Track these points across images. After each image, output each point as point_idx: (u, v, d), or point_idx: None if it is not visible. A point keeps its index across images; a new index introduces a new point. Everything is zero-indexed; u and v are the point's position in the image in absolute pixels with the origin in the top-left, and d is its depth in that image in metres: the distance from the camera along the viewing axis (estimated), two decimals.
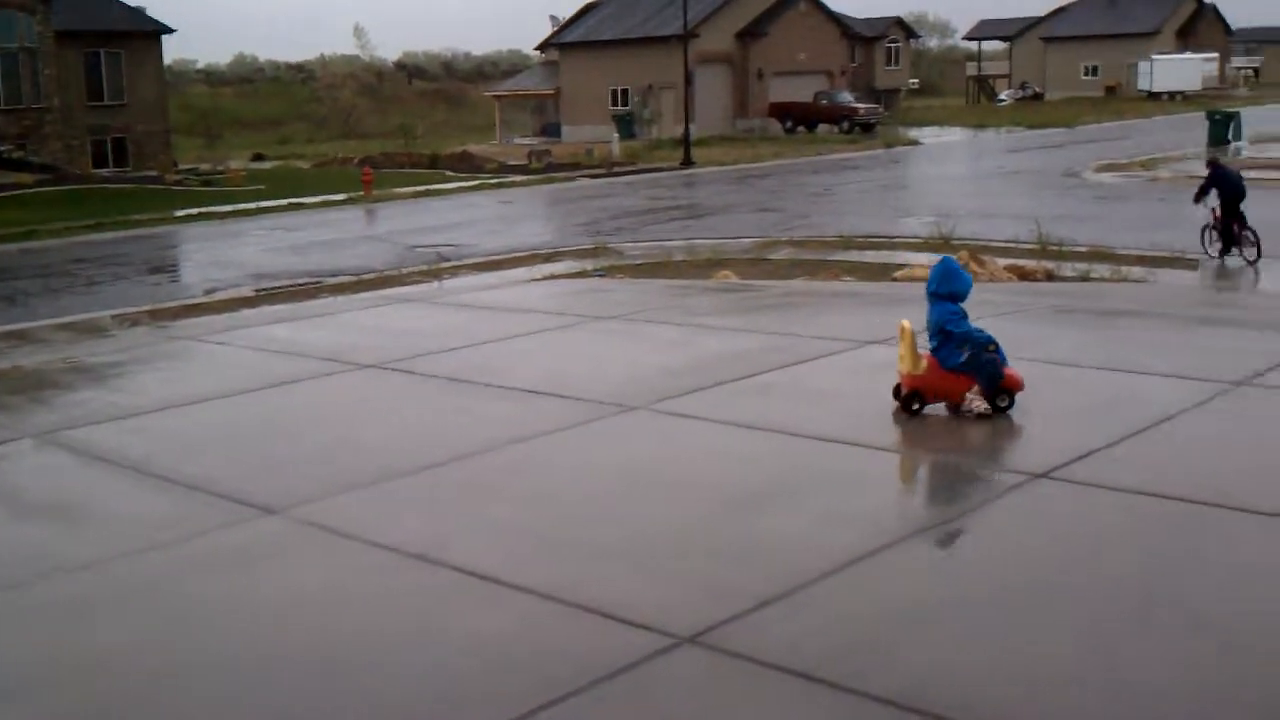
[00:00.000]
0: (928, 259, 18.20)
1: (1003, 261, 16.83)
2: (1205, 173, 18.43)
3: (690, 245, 22.24)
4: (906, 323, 7.58)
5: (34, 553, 5.95)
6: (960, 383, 7.47)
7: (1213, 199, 17.89)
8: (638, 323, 11.60)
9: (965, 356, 7.37)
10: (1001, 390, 7.39)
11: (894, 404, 7.61)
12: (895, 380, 7.67)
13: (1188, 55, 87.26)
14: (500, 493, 6.52)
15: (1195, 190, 18.54)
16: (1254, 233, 17.63)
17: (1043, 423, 7.31)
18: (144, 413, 8.68)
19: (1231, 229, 17.67)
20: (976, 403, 7.47)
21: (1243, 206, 17.63)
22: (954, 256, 8.35)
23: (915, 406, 7.51)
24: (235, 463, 7.35)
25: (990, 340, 7.41)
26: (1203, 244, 18.19)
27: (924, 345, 7.60)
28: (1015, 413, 7.51)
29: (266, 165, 54.03)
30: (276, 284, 19.25)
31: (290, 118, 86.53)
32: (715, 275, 16.82)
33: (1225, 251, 17.76)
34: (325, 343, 11.01)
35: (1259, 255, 17.44)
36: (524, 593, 5.09)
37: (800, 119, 61.16)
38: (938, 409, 7.53)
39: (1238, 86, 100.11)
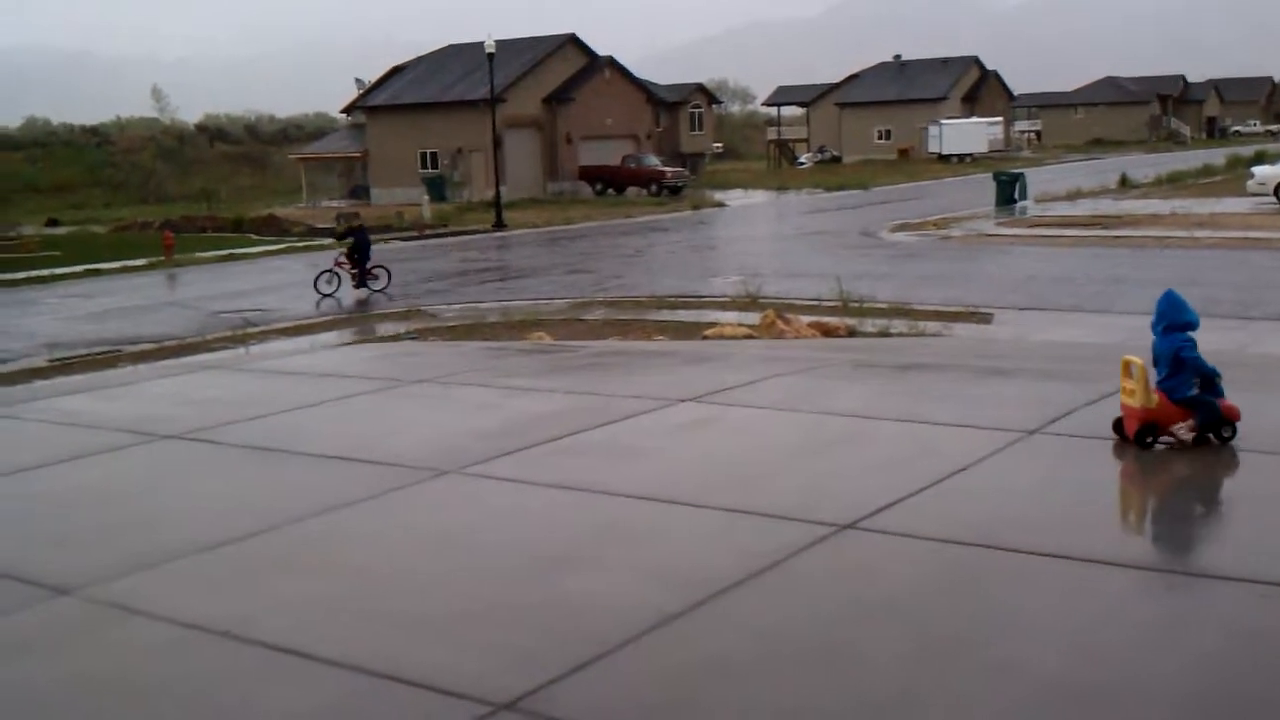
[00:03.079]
0: (736, 317, 18.60)
1: (807, 319, 17.30)
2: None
3: (504, 307, 22.25)
4: (1136, 359, 7.68)
5: None
6: (1185, 416, 7.66)
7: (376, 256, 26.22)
8: (451, 385, 11.51)
9: (1195, 391, 7.57)
10: (1225, 422, 7.62)
11: (1115, 433, 7.79)
12: (1112, 415, 7.83)
13: (974, 119, 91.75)
14: (309, 564, 6.36)
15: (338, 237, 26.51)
16: (385, 268, 25.63)
17: (851, 473, 7.51)
18: None
19: (364, 269, 25.08)
20: (1185, 433, 7.67)
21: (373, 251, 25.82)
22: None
23: (1149, 440, 7.63)
24: (25, 541, 6.99)
25: (1218, 373, 7.61)
26: (316, 287, 24.70)
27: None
28: (822, 464, 7.70)
29: (62, 231, 52.01)
30: (72, 353, 18.49)
31: (86, 182, 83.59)
32: (529, 336, 16.84)
33: (358, 285, 24.96)
34: (123, 414, 10.60)
35: (389, 282, 25.26)
36: (338, 667, 4.97)
37: (609, 182, 61.99)
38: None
39: (1021, 149, 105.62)
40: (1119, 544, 5.95)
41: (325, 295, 24.52)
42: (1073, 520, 6.48)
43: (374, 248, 26.59)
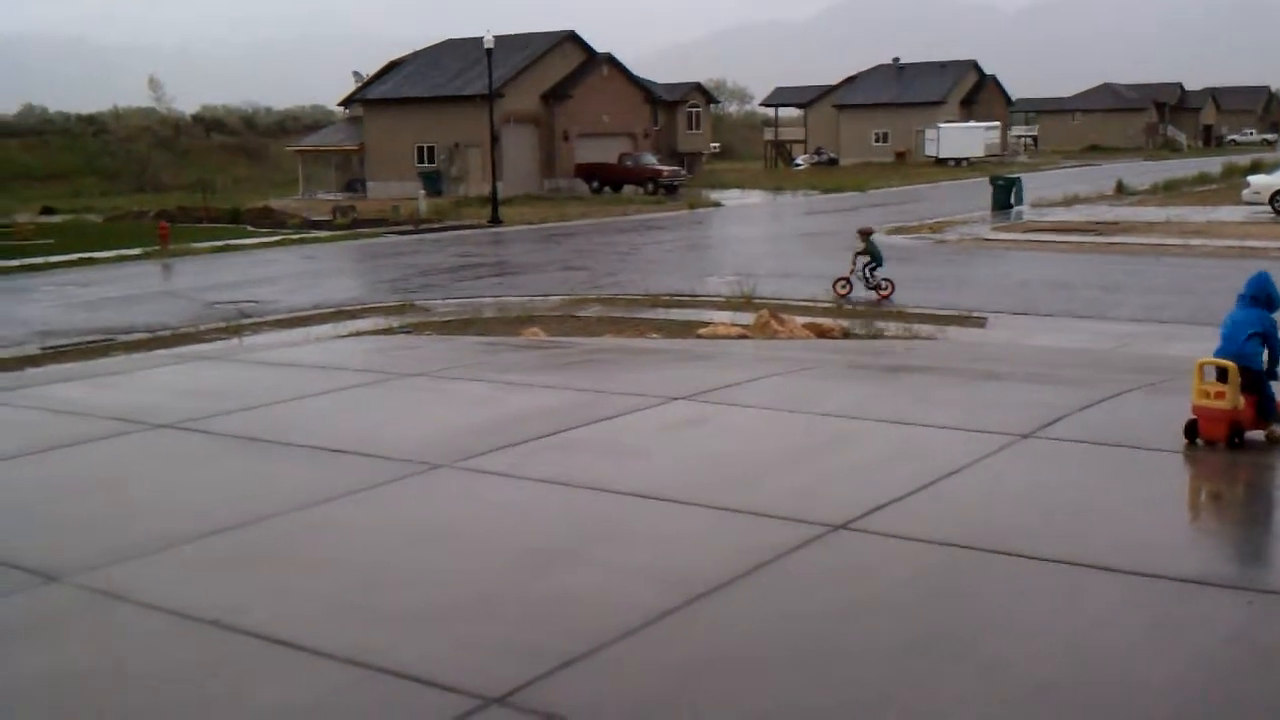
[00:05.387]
0: (730, 317, 18.61)
1: (801, 319, 17.31)
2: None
3: (499, 302, 22.25)
4: (1226, 362, 7.70)
5: None
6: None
7: None
8: (445, 380, 11.50)
9: (1265, 365, 7.71)
10: None
11: (1187, 438, 7.84)
12: (1188, 417, 7.84)
13: (972, 124, 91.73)
14: (300, 555, 6.35)
15: None
16: None
17: (843, 474, 7.51)
18: None
19: None
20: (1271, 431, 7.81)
21: None
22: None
23: (1237, 441, 7.69)
24: (15, 527, 6.98)
25: None
26: None
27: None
28: (815, 464, 7.70)
29: (57, 218, 51.90)
30: (66, 342, 18.46)
31: (82, 170, 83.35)
32: (524, 332, 16.83)
33: None
34: (116, 402, 10.58)
35: None
36: (327, 658, 4.96)
37: (606, 180, 61.96)
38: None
39: (1018, 153, 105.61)
40: (1112, 548, 5.96)
41: None
42: (1065, 524, 6.49)
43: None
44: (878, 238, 24.06)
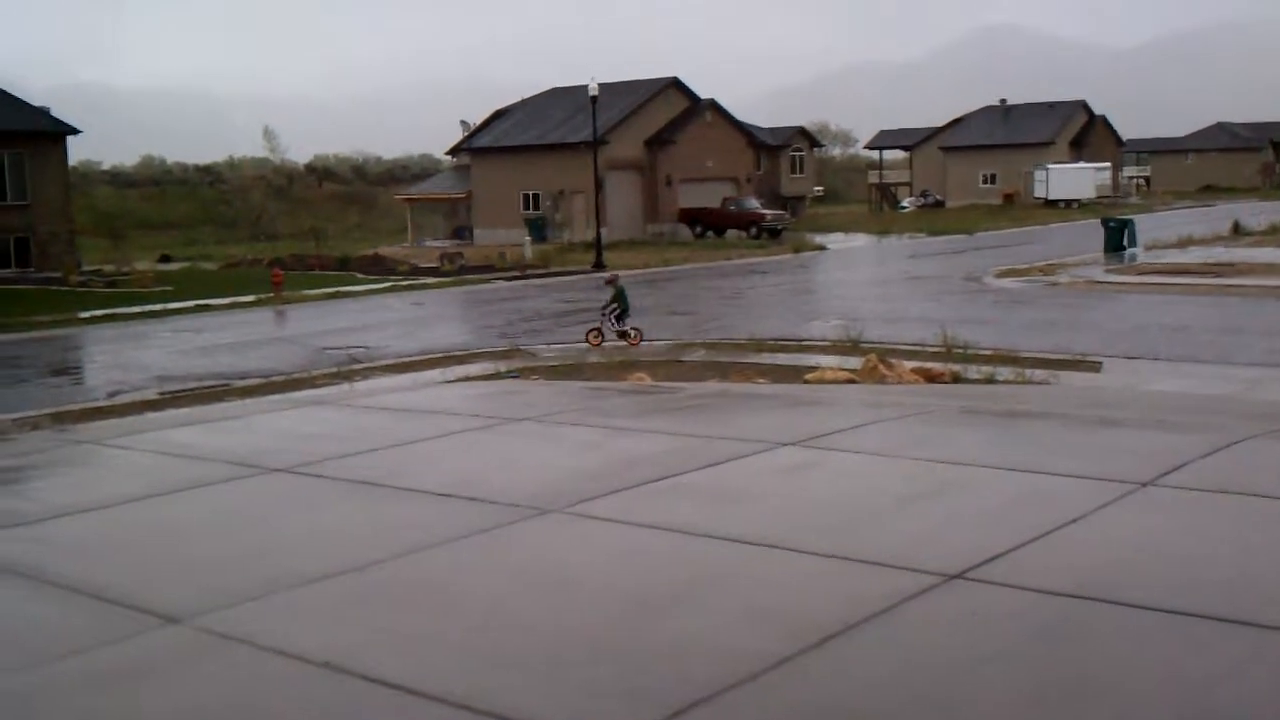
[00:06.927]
0: (837, 361, 18.45)
1: (910, 364, 17.10)
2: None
3: (604, 347, 22.32)
4: None
5: None
6: None
7: None
8: (552, 425, 11.54)
9: None
10: None
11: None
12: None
13: (1082, 164, 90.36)
14: (412, 599, 6.38)
15: None
16: None
17: (958, 522, 7.35)
18: (39, 519, 8.39)
19: None
20: None
21: None
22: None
23: None
24: (136, 571, 7.11)
25: None
26: None
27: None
28: (928, 512, 7.56)
29: (174, 266, 53.50)
30: (183, 386, 18.92)
31: (198, 219, 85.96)
32: (629, 377, 16.86)
33: None
34: (232, 446, 10.79)
35: None
36: (439, 702, 4.96)
37: (709, 224, 62.15)
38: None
39: (1130, 194, 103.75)
40: (1236, 600, 5.74)
41: None
42: (1188, 575, 6.27)
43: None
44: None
